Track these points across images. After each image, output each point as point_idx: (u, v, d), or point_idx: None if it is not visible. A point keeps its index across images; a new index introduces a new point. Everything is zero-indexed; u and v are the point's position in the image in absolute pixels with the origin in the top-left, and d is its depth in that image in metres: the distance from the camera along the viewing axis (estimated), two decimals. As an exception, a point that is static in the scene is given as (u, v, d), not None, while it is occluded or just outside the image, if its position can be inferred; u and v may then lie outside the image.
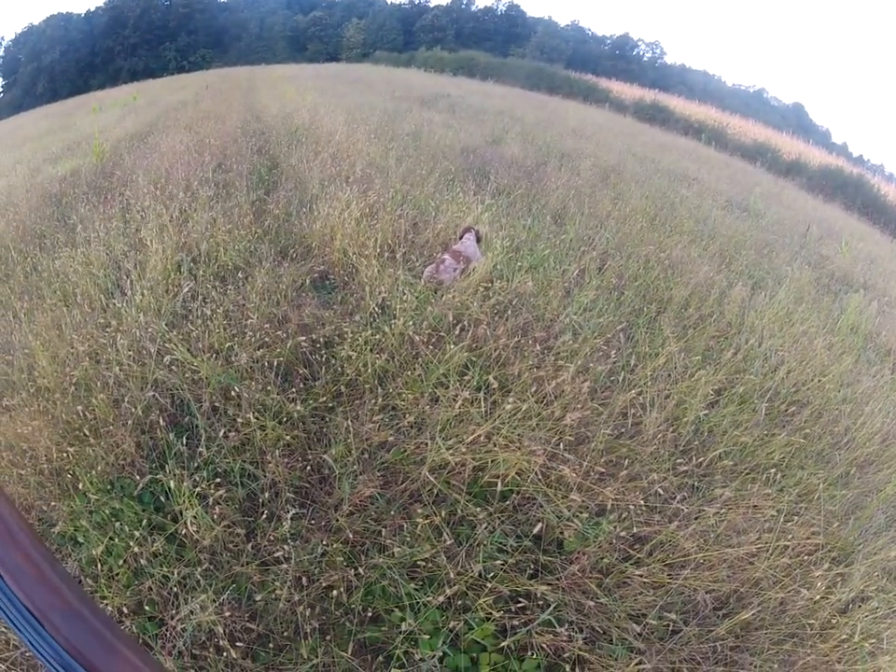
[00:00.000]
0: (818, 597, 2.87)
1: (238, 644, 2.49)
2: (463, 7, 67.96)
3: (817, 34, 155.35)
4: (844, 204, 22.40)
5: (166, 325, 4.22)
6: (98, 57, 58.75)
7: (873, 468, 4.27)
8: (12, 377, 3.95)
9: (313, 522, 3.08)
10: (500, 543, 2.94)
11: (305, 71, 32.26)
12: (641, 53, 65.37)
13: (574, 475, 3.14)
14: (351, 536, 2.90)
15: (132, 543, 2.75)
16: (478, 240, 5.50)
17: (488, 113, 17.16)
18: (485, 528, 2.95)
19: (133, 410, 3.46)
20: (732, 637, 2.81)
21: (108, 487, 3.13)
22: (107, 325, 4.22)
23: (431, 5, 68.25)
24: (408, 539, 2.91)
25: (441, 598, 2.59)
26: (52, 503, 3.09)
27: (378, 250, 5.26)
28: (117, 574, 2.76)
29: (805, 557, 3.19)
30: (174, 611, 2.62)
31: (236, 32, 63.53)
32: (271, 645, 2.58)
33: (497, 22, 67.16)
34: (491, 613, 2.61)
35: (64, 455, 3.24)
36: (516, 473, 3.18)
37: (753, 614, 2.77)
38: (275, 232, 6.08)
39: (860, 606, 3.02)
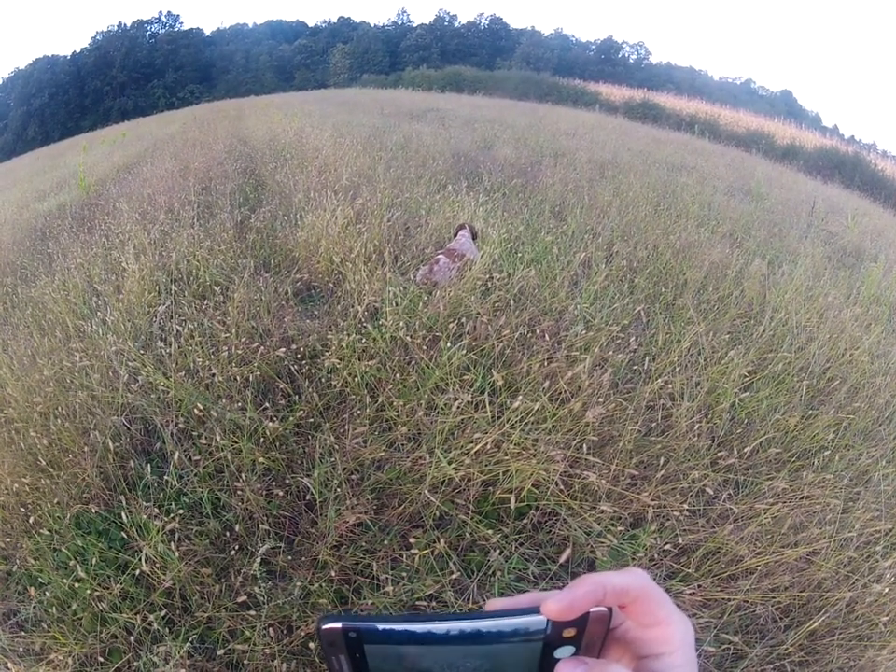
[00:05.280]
0: (886, 590, 2.55)
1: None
2: (446, 24, 68.64)
3: (800, 19, 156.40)
4: (843, 183, 22.12)
5: (140, 346, 3.96)
6: (87, 98, 59.47)
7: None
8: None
9: (291, 557, 2.70)
10: (520, 570, 2.57)
11: (293, 98, 32.23)
12: (627, 55, 66.00)
13: (602, 482, 2.74)
14: (336, 572, 2.53)
15: (95, 585, 2.46)
16: (473, 236, 5.26)
17: (478, 122, 16.86)
18: (500, 554, 2.56)
19: (100, 437, 3.13)
20: (799, 652, 2.46)
21: (72, 522, 2.83)
22: (78, 349, 3.95)
23: (415, 25, 68.85)
24: (405, 572, 2.52)
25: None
26: (15, 539, 2.86)
27: (365, 254, 4.95)
28: (81, 618, 2.45)
29: (871, 548, 2.86)
30: (138, 663, 2.31)
31: (223, 65, 64.20)
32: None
33: (481, 37, 67.79)
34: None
35: (25, 487, 2.97)
36: (533, 485, 2.81)
37: (821, 622, 2.43)
38: (259, 247, 5.81)
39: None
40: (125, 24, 64.46)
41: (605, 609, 0.51)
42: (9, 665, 2.25)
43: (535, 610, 0.51)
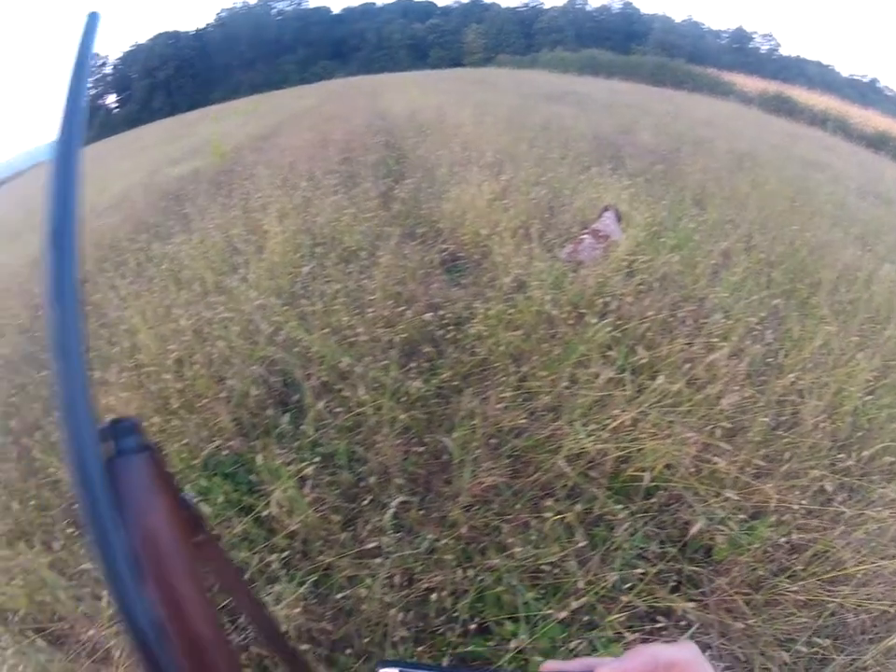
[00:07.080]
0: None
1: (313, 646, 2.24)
2: (578, 6, 67.36)
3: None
4: None
5: (282, 303, 4.11)
6: (215, 72, 61.54)
7: None
8: (112, 353, 3.91)
9: (423, 512, 2.75)
10: (641, 548, 2.58)
11: (428, 76, 32.44)
12: (758, 45, 63.33)
13: (731, 468, 2.74)
14: (466, 531, 2.56)
15: (215, 524, 2.62)
16: (618, 219, 5.28)
17: (616, 106, 16.68)
18: (626, 530, 2.55)
19: (237, 385, 3.31)
20: (875, 666, 2.36)
21: (199, 464, 2.98)
22: (219, 303, 4.15)
23: (546, 6, 67.96)
24: (533, 538, 2.54)
25: (565, 613, 2.17)
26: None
27: (512, 228, 5.00)
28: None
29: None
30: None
31: (354, 42, 65.29)
32: (349, 651, 2.27)
33: (613, 20, 66.59)
34: (622, 633, 2.21)
35: (153, 427, 3.14)
36: (665, 466, 2.81)
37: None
38: (404, 217, 5.94)
39: None
40: (249, 2, 67.39)
41: None
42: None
43: None
